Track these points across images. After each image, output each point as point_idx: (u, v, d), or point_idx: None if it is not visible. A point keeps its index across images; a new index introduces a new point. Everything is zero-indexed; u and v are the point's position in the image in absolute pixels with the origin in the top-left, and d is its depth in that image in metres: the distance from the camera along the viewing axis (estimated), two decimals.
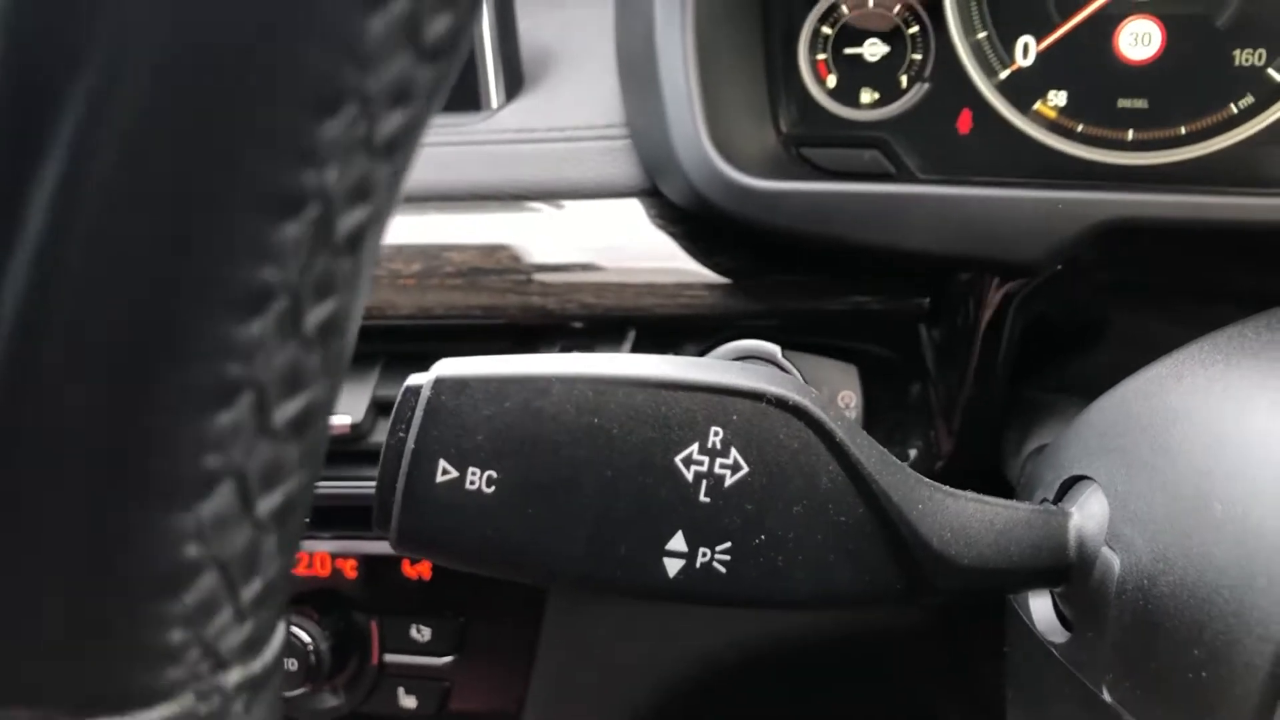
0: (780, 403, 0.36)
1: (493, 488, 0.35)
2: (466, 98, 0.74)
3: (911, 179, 0.68)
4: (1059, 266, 0.57)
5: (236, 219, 0.20)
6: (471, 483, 0.35)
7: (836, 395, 0.64)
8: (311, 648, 0.73)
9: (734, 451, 0.36)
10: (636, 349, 0.66)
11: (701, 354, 0.65)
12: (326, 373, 0.24)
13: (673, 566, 0.36)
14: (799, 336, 0.65)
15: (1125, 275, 0.62)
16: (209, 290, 0.21)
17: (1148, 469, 0.39)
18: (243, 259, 0.21)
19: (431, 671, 0.75)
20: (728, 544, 0.36)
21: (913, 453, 0.64)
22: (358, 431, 0.66)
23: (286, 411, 0.23)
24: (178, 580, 0.22)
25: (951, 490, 0.40)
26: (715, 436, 0.36)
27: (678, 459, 0.36)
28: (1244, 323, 0.41)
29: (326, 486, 0.65)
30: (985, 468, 0.63)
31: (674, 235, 0.65)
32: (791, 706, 0.72)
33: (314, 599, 0.75)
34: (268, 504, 0.23)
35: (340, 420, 0.65)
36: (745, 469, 0.36)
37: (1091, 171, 0.66)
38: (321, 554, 0.75)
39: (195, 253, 0.20)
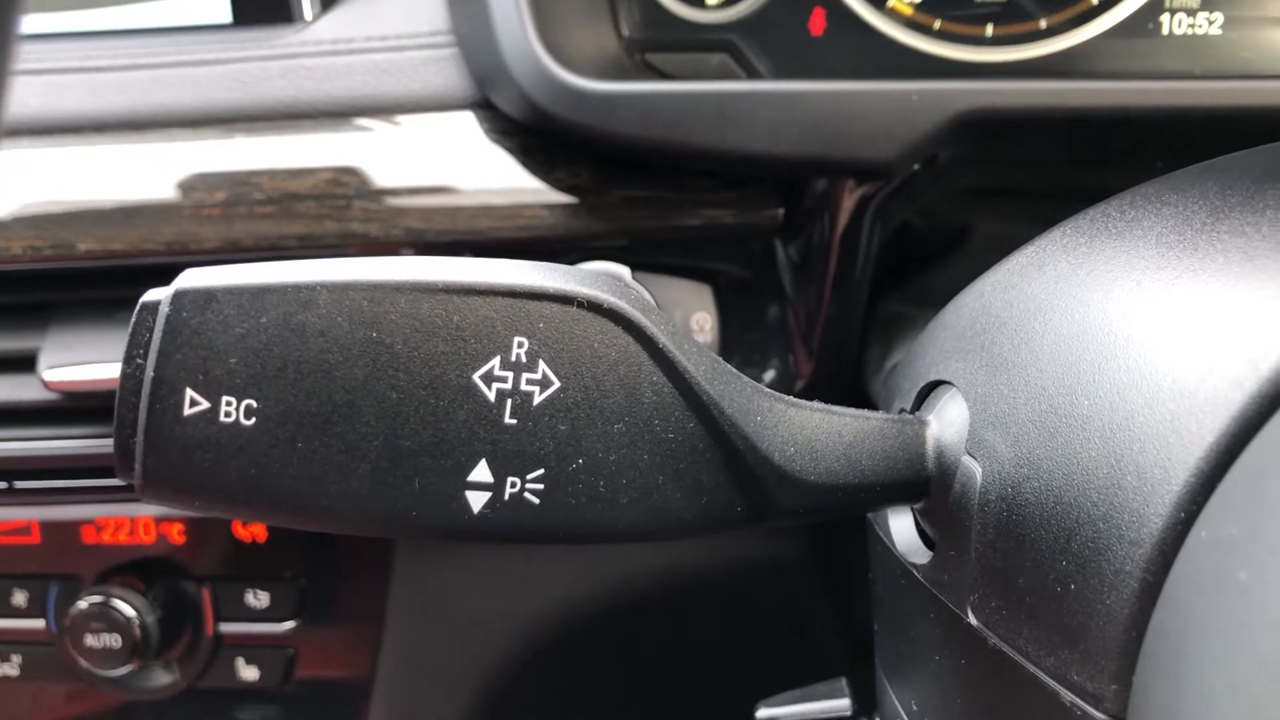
0: (594, 306, 0.31)
1: (252, 419, 0.30)
2: (277, 9, 0.67)
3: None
4: (915, 167, 0.53)
5: None
6: (227, 414, 0.30)
7: (691, 317, 0.60)
8: (137, 621, 0.66)
9: (542, 364, 0.31)
10: None
11: None
12: None
13: (477, 500, 0.31)
14: (650, 257, 0.60)
15: (985, 178, 0.59)
16: None
17: (1009, 367, 0.35)
18: None
19: (272, 639, 0.69)
20: (540, 471, 0.31)
21: (770, 374, 0.60)
22: None
23: None
24: None
25: (796, 400, 0.35)
26: (520, 348, 0.31)
27: (476, 376, 0.30)
28: (1107, 202, 0.38)
29: None
30: (847, 388, 0.59)
31: (509, 150, 0.59)
32: (659, 650, 0.68)
33: (138, 568, 0.68)
34: None
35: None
36: (556, 384, 0.31)
37: (950, 69, 0.62)
38: (145, 519, 0.68)
39: None
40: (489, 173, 0.59)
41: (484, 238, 0.59)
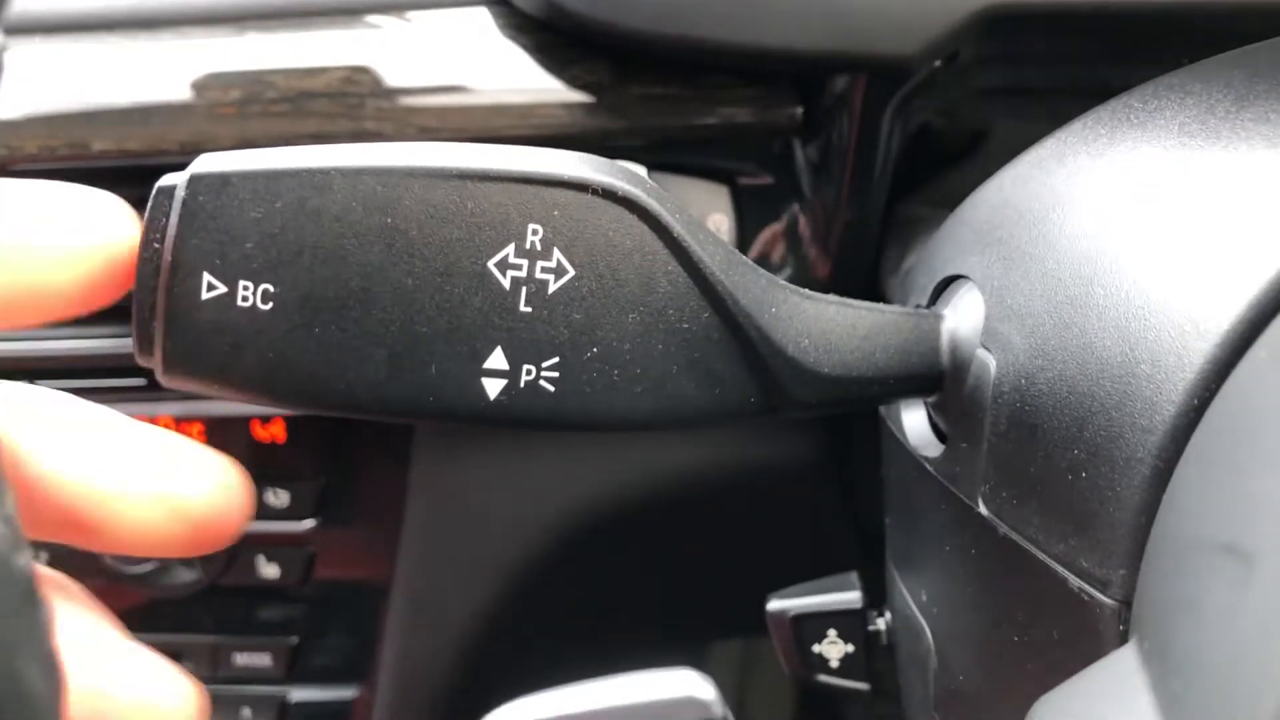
0: (609, 194, 0.31)
1: (269, 304, 0.30)
2: None
3: None
4: (937, 64, 0.52)
5: None
6: (244, 298, 0.30)
7: (707, 218, 0.60)
8: None
9: (557, 253, 0.31)
10: None
11: None
12: None
13: (493, 387, 0.31)
14: (667, 156, 0.60)
15: (1008, 77, 0.58)
16: None
17: (1026, 260, 0.35)
18: None
19: (292, 538, 0.70)
20: (555, 359, 0.31)
21: (786, 275, 0.60)
22: None
23: None
24: None
25: (812, 293, 0.35)
26: (534, 235, 0.31)
27: (491, 263, 0.30)
28: (1130, 93, 0.37)
29: None
30: (864, 290, 0.59)
31: (524, 47, 0.58)
32: (675, 546, 0.69)
33: None
34: None
35: None
36: (571, 272, 0.31)
37: None
38: (164, 418, 0.69)
39: None
40: (503, 70, 0.58)
41: (499, 135, 0.58)
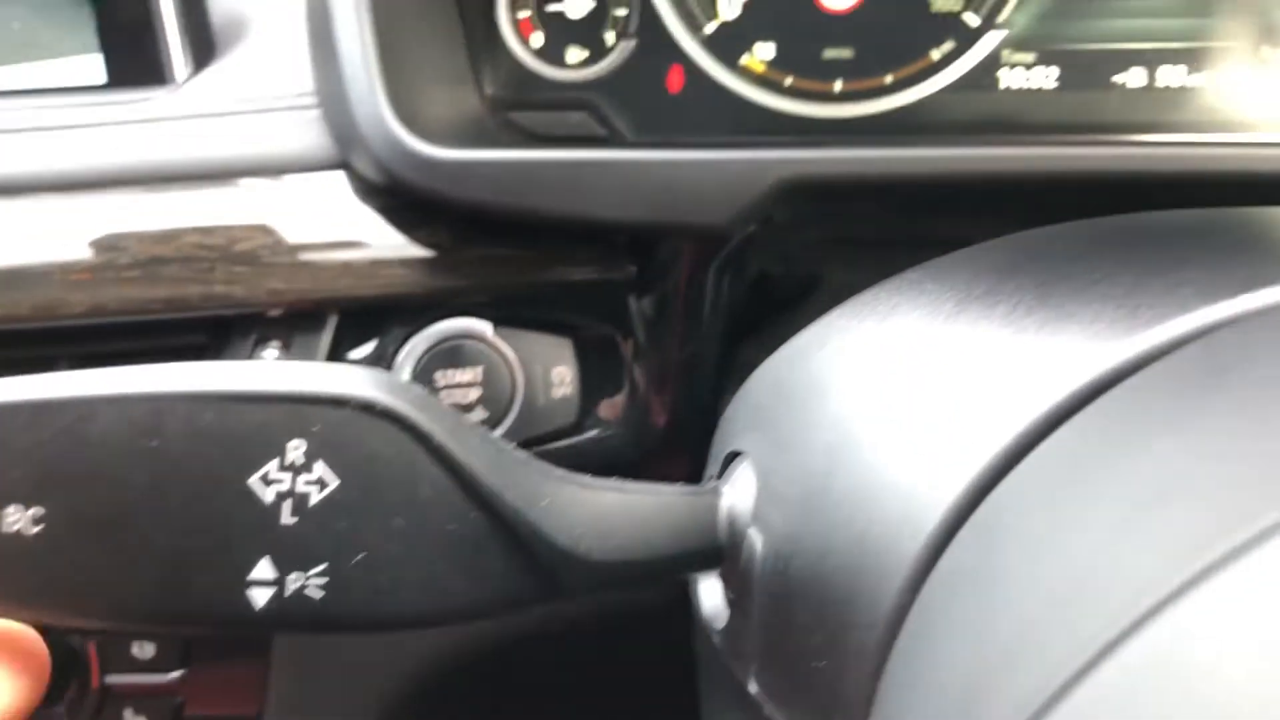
0: (367, 407, 0.33)
1: (39, 526, 0.31)
2: (149, 71, 0.68)
3: (622, 142, 0.66)
4: (752, 228, 0.55)
5: None
6: (13, 523, 0.31)
7: (551, 370, 0.62)
8: None
9: (320, 465, 0.33)
10: (339, 335, 0.62)
11: (408, 337, 0.62)
12: None
13: (260, 596, 0.33)
14: (512, 311, 0.62)
15: (829, 231, 0.61)
16: None
17: (788, 444, 0.38)
18: None
19: (159, 689, 0.70)
20: (322, 566, 0.33)
21: (627, 427, 0.62)
22: None
23: None
24: None
25: (590, 481, 0.37)
26: (296, 450, 0.32)
27: (253, 479, 0.32)
28: (882, 284, 0.40)
29: None
30: (704, 437, 0.61)
31: (371, 211, 0.61)
32: (532, 687, 0.70)
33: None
34: None
35: None
36: (334, 484, 0.33)
37: (802, 126, 0.65)
38: None
39: None
40: (351, 233, 0.60)
41: (345, 296, 0.60)
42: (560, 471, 0.37)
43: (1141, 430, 0.27)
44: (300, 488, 0.32)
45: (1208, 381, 0.27)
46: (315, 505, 0.32)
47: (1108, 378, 0.30)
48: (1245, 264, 0.34)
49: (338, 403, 0.32)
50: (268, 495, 0.32)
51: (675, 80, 0.66)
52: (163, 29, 0.67)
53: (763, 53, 0.65)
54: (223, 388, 0.32)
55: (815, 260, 0.65)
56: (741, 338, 0.63)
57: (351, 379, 0.33)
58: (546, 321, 0.62)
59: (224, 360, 0.62)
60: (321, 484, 0.32)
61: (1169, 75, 0.61)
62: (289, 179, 0.63)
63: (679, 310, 0.58)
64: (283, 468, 0.32)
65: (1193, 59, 0.61)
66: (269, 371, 0.33)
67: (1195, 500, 0.23)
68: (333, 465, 0.33)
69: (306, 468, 0.32)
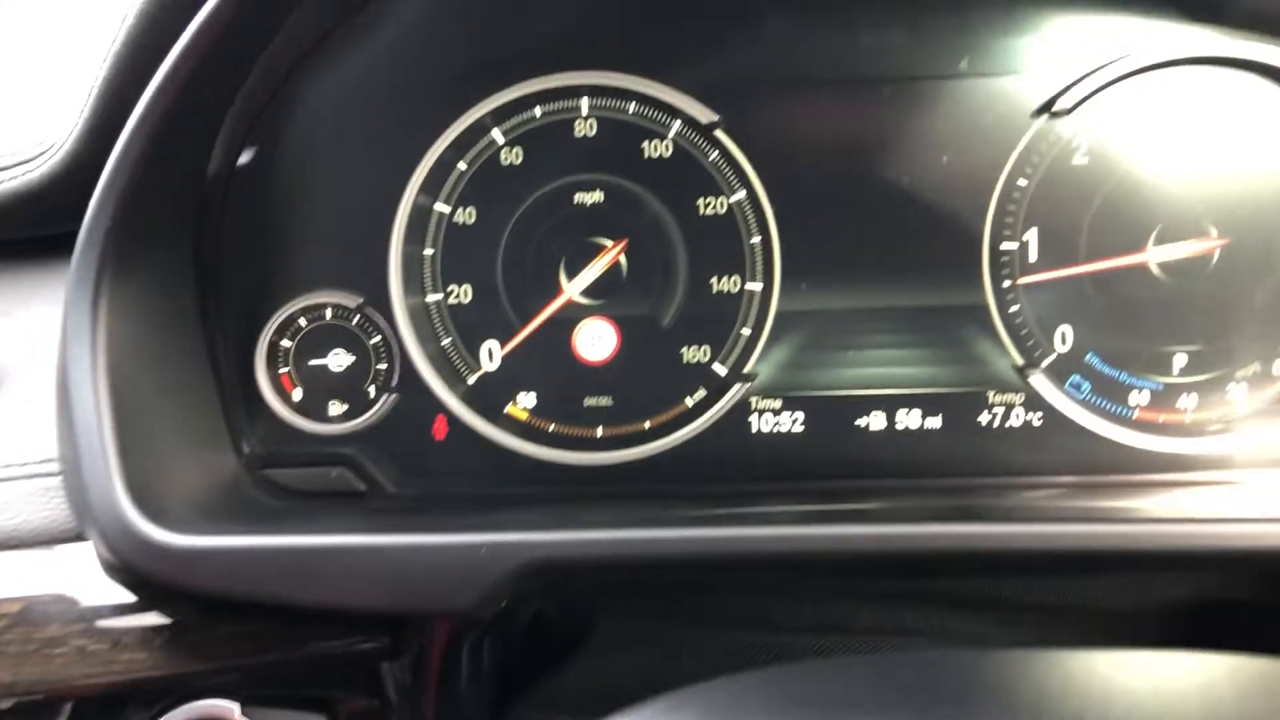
0: None
1: None
2: None
3: (381, 494, 0.65)
4: (502, 606, 0.54)
5: None
6: None
7: None
8: None
9: None
10: None
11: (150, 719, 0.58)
12: None
13: None
14: (262, 689, 0.59)
15: (596, 581, 0.61)
16: None
17: None
18: None
19: None
20: None
21: None
22: None
23: None
24: None
25: None
26: None
27: None
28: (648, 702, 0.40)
29: None
30: None
31: (112, 587, 0.58)
32: None
33: None
34: None
35: None
36: None
37: (564, 476, 0.65)
38: None
39: None
40: (85, 613, 0.57)
41: (79, 686, 0.56)
42: None
43: None
44: None
45: None
46: None
47: None
48: None
49: None
50: None
51: (440, 429, 0.66)
52: None
53: (525, 401, 0.66)
54: None
55: (589, 607, 0.65)
56: (512, 696, 0.62)
57: None
58: (299, 698, 0.59)
59: None
60: None
61: (908, 419, 0.64)
62: (20, 555, 0.59)
63: (431, 681, 0.56)
64: None
65: (929, 404, 0.64)
66: None
67: None
68: None
69: None
